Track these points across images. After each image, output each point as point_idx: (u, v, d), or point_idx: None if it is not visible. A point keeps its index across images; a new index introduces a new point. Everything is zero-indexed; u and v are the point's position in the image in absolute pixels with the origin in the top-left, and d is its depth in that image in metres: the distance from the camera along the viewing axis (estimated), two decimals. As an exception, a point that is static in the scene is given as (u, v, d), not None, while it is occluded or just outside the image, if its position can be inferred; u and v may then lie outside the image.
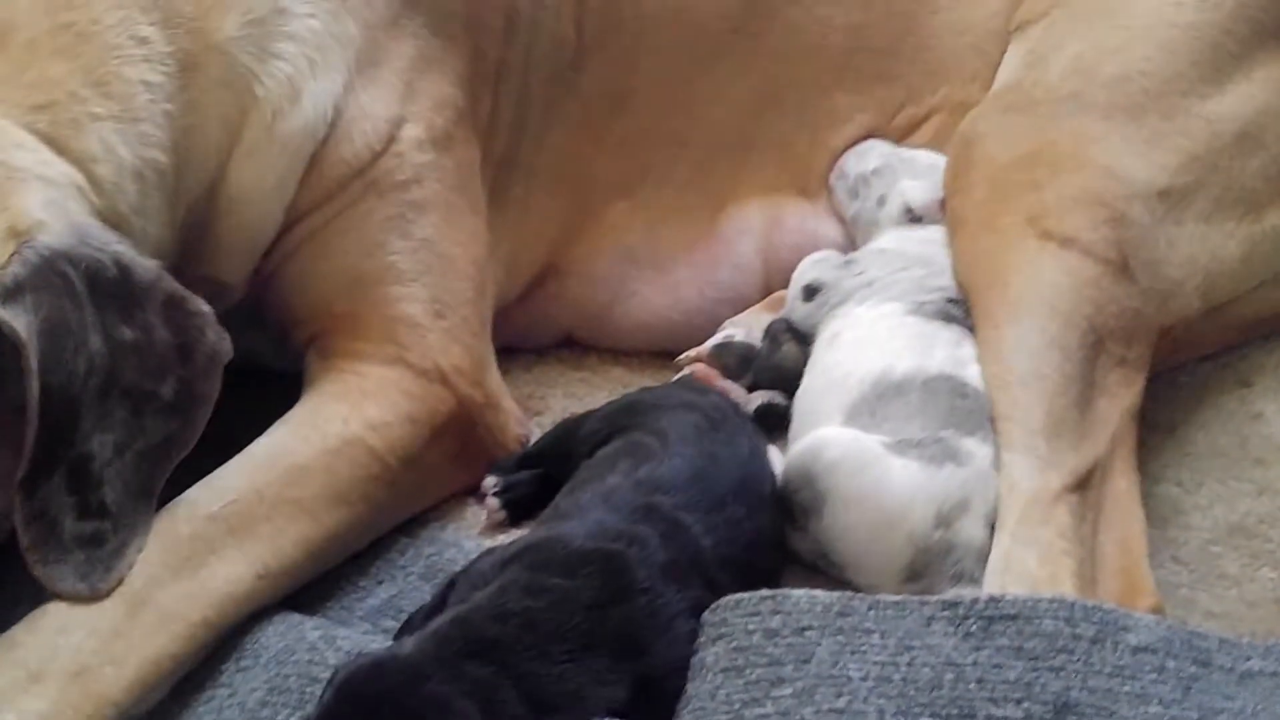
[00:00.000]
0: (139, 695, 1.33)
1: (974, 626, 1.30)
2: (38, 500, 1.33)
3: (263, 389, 1.63)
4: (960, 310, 1.67)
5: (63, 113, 1.43)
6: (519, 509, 1.63)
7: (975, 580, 1.45)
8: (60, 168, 1.40)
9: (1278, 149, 1.79)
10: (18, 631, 1.32)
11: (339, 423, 1.54)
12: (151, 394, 1.39)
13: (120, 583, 1.35)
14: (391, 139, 1.65)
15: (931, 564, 1.46)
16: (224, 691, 1.36)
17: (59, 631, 1.31)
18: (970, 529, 1.47)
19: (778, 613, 1.32)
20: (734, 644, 1.31)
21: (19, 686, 1.27)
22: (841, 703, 1.24)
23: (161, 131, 1.49)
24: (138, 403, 1.38)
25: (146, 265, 1.40)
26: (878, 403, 1.56)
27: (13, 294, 1.29)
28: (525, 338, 1.95)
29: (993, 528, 1.48)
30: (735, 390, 1.80)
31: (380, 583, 1.55)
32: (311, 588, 1.51)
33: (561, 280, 1.97)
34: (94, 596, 1.33)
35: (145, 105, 1.48)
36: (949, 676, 1.26)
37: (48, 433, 1.31)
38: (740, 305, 1.97)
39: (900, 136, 2.02)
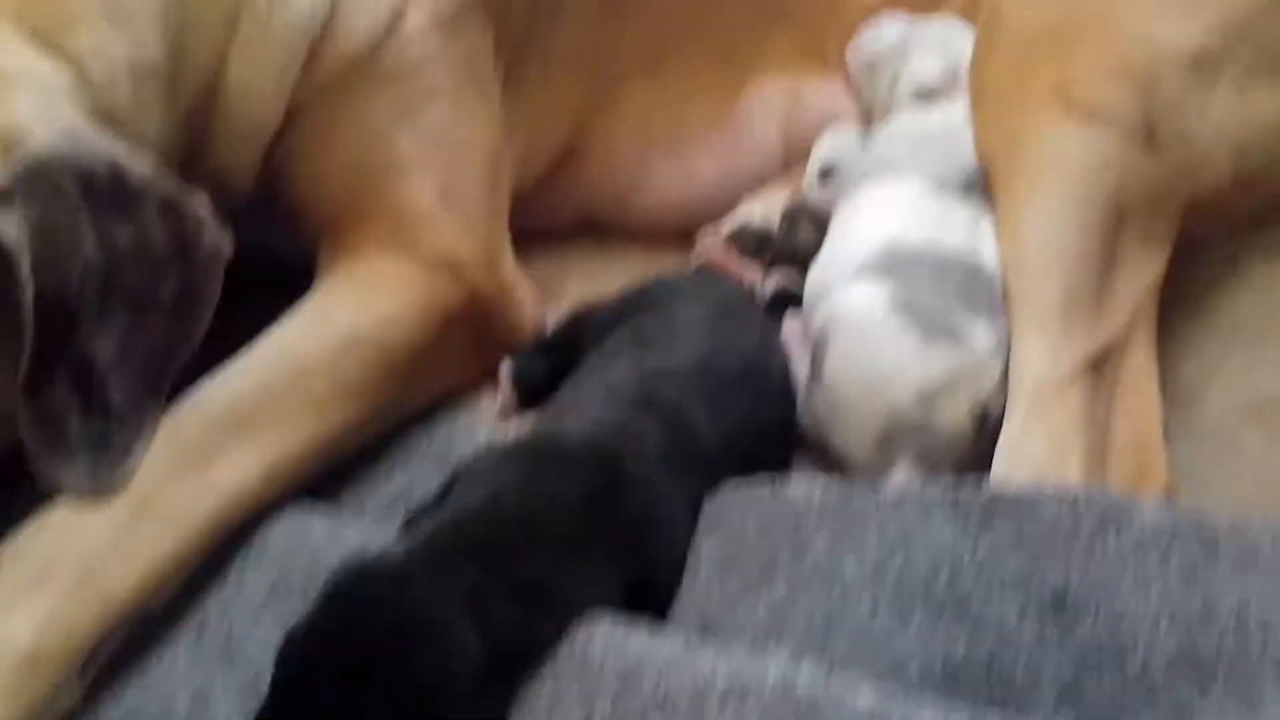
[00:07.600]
0: (146, 594, 1.34)
1: (974, 517, 1.28)
2: (42, 401, 1.33)
3: (282, 279, 1.62)
4: (979, 187, 1.64)
5: (53, 10, 1.41)
6: (534, 394, 1.63)
7: (939, 464, 1.46)
8: (49, 68, 1.38)
9: None
10: (23, 536, 1.33)
11: (345, 318, 1.53)
12: (151, 296, 1.38)
13: (128, 483, 1.35)
14: (393, 28, 1.62)
15: (905, 436, 1.45)
16: (231, 589, 1.38)
17: (65, 534, 1.32)
18: (950, 413, 1.46)
19: (776, 500, 1.33)
20: (729, 535, 1.31)
21: (26, 588, 1.28)
22: (835, 596, 1.25)
23: (154, 26, 1.46)
24: (138, 305, 1.37)
25: (141, 168, 1.39)
26: (889, 262, 1.54)
27: (2, 202, 1.29)
28: (545, 222, 1.93)
29: (975, 416, 1.47)
30: (751, 269, 1.79)
31: (393, 471, 1.56)
32: (324, 477, 1.51)
33: (580, 163, 1.96)
34: (102, 497, 1.34)
35: (136, 1, 1.46)
36: (945, 570, 1.25)
37: (45, 336, 1.31)
38: (760, 184, 1.95)
39: (933, 5, 1.95)
